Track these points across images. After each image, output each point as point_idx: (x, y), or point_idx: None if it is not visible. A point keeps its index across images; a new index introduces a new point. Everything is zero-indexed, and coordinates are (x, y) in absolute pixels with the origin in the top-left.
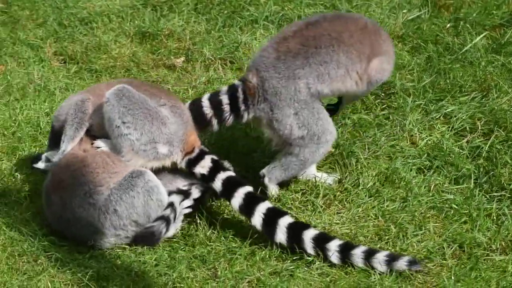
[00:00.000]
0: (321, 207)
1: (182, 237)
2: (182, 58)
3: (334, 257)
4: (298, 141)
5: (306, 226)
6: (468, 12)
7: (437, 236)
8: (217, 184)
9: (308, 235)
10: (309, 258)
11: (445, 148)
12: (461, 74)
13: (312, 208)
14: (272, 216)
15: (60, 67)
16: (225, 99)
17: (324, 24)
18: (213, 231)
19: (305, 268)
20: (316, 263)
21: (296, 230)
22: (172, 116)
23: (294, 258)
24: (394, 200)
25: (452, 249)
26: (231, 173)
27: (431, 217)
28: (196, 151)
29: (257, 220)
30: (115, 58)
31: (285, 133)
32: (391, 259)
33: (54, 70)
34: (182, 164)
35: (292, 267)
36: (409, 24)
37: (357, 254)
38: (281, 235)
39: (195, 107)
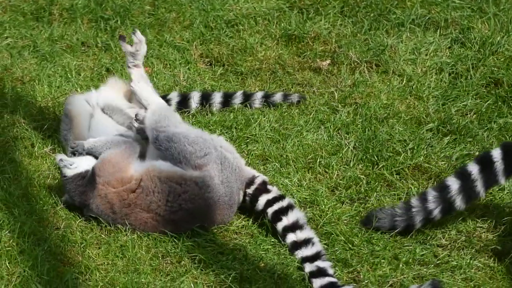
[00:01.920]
0: (466, 211)
1: (324, 241)
2: (328, 61)
3: None
4: None
5: None
6: None
7: None
8: None
9: None
10: (454, 263)
11: None
12: None
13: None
14: None
15: (206, 69)
16: None
17: None
18: (357, 234)
19: (449, 273)
20: (461, 269)
21: None
22: None
23: (438, 262)
24: None
25: None
26: None
27: None
28: None
29: None
30: (261, 61)
31: None
32: None
33: (200, 72)
34: None
35: (436, 272)
36: None
37: None
38: None
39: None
